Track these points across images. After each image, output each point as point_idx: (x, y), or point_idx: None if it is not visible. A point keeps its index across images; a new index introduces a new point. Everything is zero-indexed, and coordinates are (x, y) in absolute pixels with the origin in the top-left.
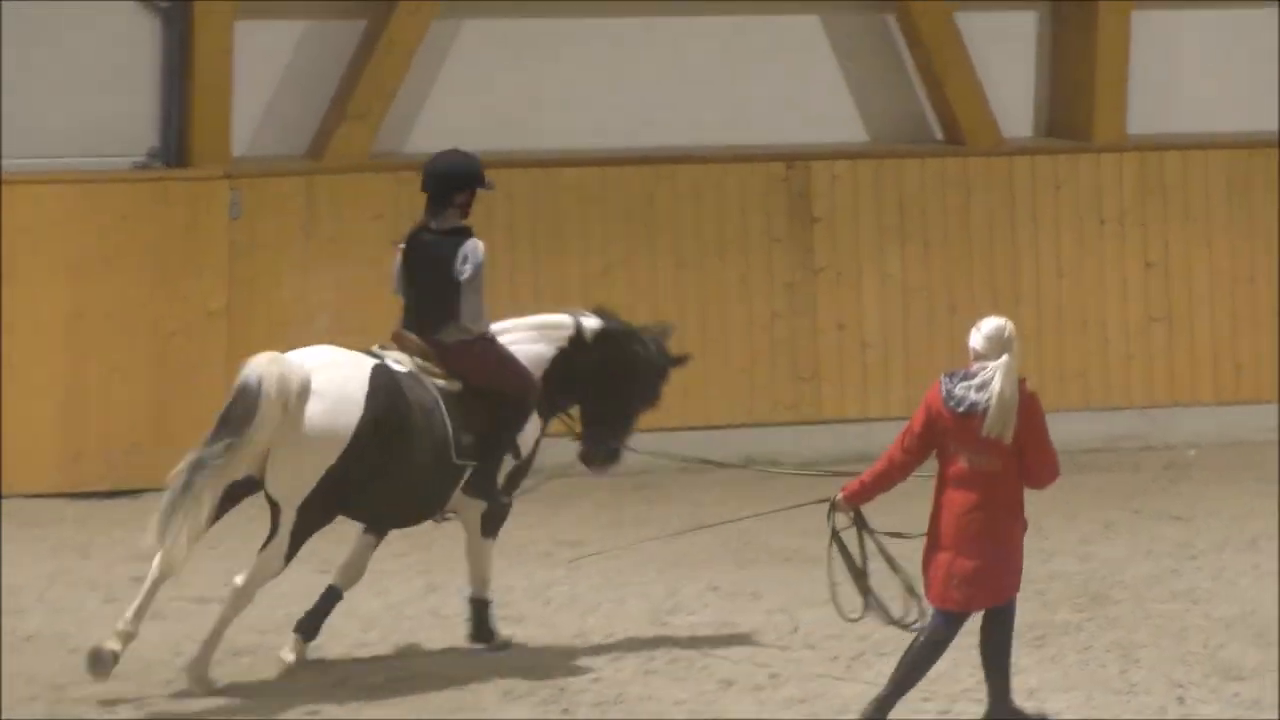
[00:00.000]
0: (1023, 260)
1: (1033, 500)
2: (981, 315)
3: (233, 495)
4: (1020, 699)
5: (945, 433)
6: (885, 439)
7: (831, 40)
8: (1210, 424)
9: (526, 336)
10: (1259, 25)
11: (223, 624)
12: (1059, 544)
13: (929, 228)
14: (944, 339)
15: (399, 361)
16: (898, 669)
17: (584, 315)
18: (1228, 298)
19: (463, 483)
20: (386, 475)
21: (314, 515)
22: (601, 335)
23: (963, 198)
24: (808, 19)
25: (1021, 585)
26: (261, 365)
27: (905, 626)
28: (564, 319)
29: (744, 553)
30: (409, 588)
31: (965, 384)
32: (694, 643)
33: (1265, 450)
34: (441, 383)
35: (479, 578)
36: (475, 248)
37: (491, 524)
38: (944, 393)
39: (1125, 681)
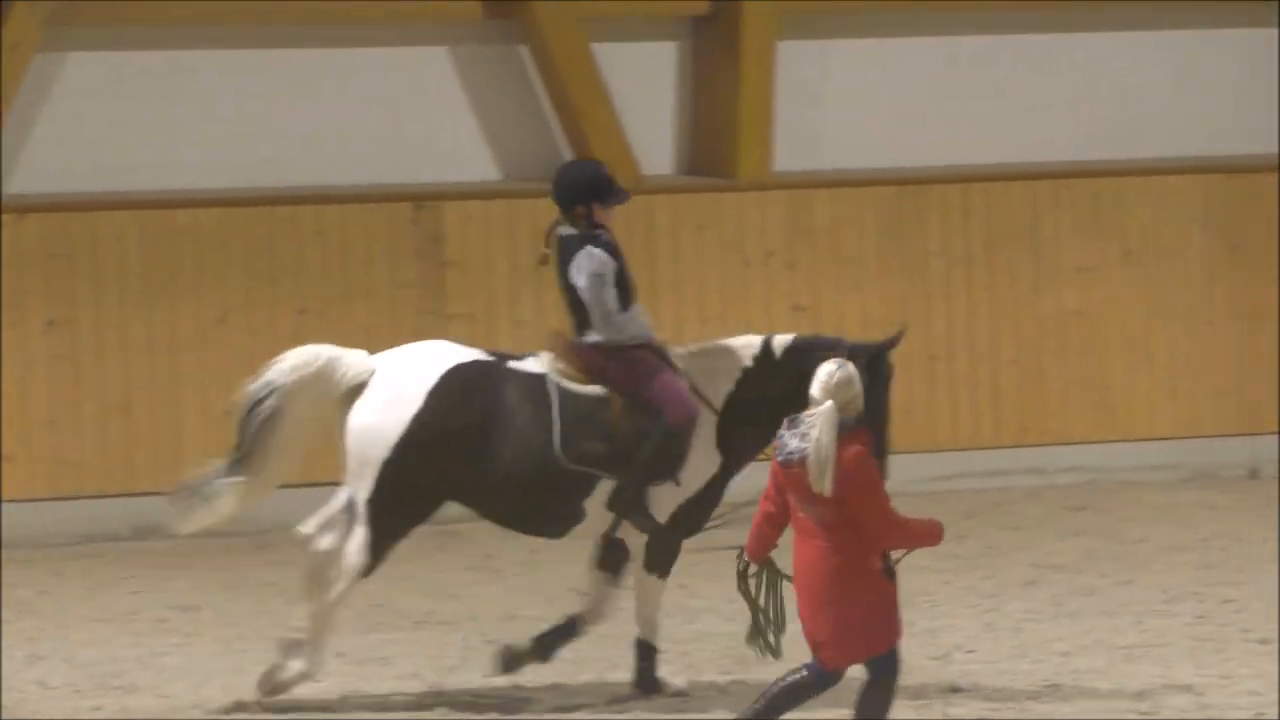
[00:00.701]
0: (664, 304)
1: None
2: None
3: None
4: None
5: (782, 484)
6: None
7: (461, 73)
8: None
9: (707, 365)
10: (911, 57)
11: (319, 618)
12: (706, 603)
13: None
14: None
15: (538, 360)
16: (761, 697)
17: (779, 335)
18: None
19: (597, 497)
20: (480, 474)
21: (388, 513)
22: (792, 350)
23: None
24: (435, 50)
25: (674, 647)
26: (300, 349)
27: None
28: (749, 339)
29: (372, 616)
30: (12, 658)
31: (793, 431)
32: (321, 711)
33: (923, 503)
34: (573, 385)
35: (643, 617)
36: (590, 254)
37: (657, 559)
38: (777, 439)
39: None
